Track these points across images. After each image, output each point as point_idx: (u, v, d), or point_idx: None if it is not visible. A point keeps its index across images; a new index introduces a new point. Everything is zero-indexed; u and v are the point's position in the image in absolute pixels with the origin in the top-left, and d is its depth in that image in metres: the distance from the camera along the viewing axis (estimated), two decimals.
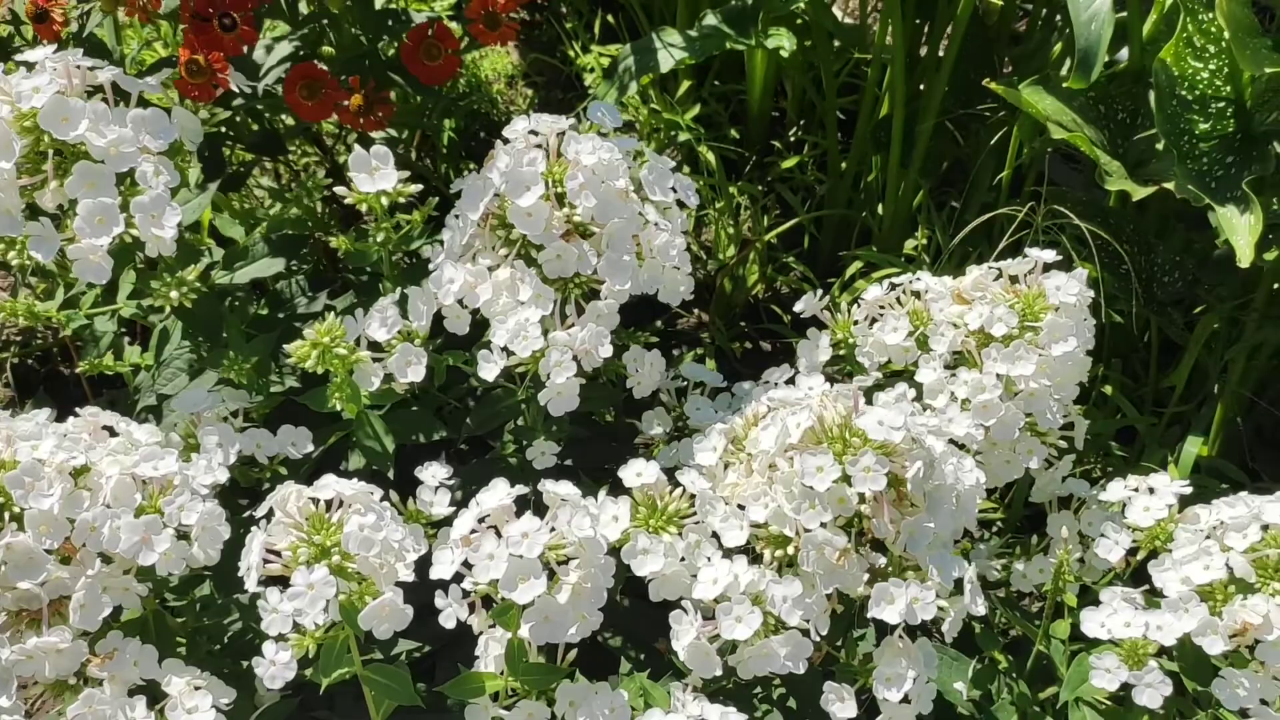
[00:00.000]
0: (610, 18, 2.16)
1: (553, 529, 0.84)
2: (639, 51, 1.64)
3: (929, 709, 0.95)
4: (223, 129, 1.53)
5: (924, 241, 1.70)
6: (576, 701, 0.90)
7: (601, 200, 0.98)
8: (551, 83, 2.27)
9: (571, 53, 2.19)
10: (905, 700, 0.92)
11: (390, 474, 1.08)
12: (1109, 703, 1.11)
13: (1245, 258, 1.14)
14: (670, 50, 1.62)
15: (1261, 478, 1.53)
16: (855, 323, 1.17)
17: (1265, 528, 0.97)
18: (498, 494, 0.85)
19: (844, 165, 1.80)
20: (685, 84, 1.99)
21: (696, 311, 1.95)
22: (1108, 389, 1.54)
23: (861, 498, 0.87)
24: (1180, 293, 1.46)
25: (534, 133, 1.02)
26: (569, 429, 1.17)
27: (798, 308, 1.21)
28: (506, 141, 1.01)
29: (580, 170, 0.97)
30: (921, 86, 1.71)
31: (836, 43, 1.80)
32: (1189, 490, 1.05)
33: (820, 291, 1.21)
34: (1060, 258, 1.11)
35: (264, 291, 1.28)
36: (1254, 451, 1.60)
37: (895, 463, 0.88)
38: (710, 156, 1.89)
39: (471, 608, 0.90)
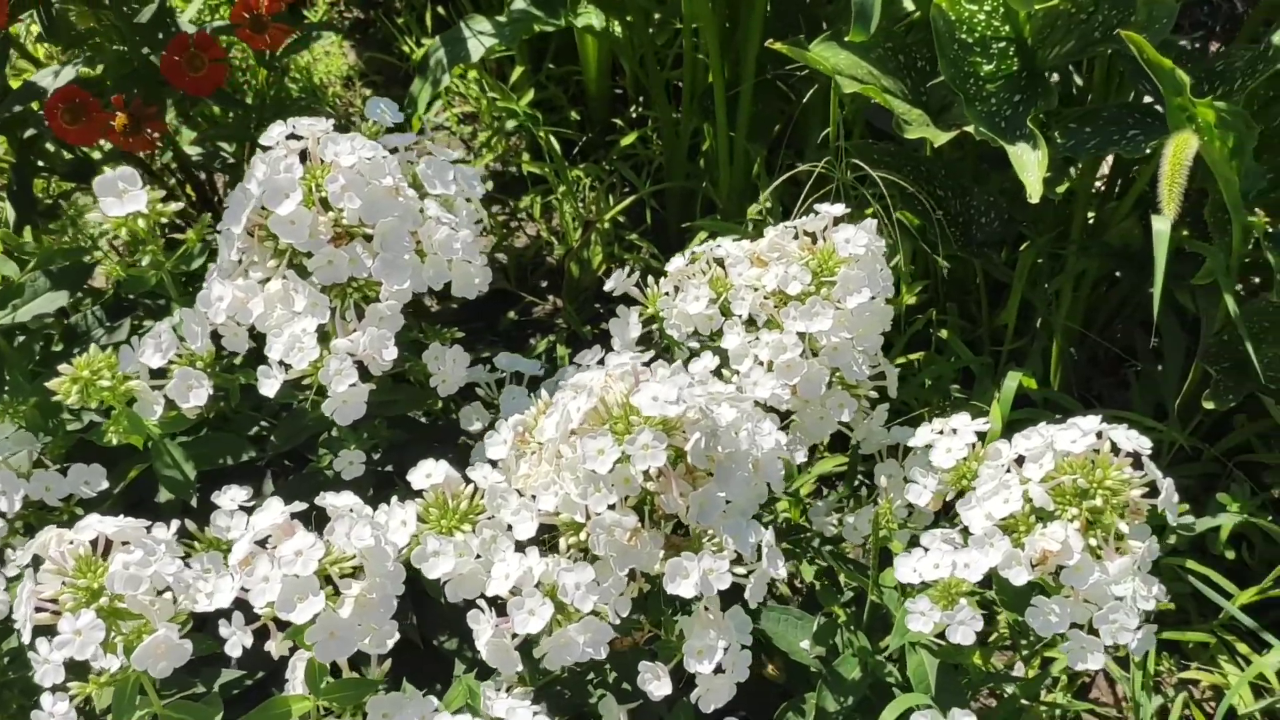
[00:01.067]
0: (441, 9, 2.13)
1: (329, 542, 0.82)
2: (449, 43, 1.62)
3: (745, 675, 0.95)
4: (33, 159, 1.47)
5: (767, 205, 1.71)
6: (389, 713, 0.88)
7: (368, 200, 0.95)
8: (390, 80, 2.23)
9: (406, 48, 2.16)
10: (720, 670, 0.92)
11: (194, 501, 1.05)
12: (943, 642, 1.13)
13: (1035, 193, 1.15)
14: (480, 38, 1.59)
15: (1097, 405, 1.56)
16: (665, 294, 1.17)
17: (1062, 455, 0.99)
18: (271, 514, 0.83)
19: (678, 137, 1.80)
20: (519, 70, 1.97)
21: (551, 298, 1.93)
22: (944, 333, 1.56)
23: (649, 475, 0.87)
24: (999, 233, 1.48)
25: (296, 137, 0.99)
26: (389, 433, 1.15)
27: (608, 286, 1.20)
28: (266, 149, 0.98)
29: (341, 172, 0.94)
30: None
31: (657, 15, 1.79)
32: (988, 428, 1.06)
33: (630, 268, 1.20)
34: (849, 210, 1.12)
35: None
36: (1092, 381, 1.64)
37: (677, 437, 0.87)
38: (551, 140, 1.87)
39: (266, 633, 0.87)
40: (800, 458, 1.18)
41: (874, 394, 1.15)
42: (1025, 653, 1.28)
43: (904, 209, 1.49)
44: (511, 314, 1.86)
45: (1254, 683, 1.36)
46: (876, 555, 1.10)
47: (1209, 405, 1.31)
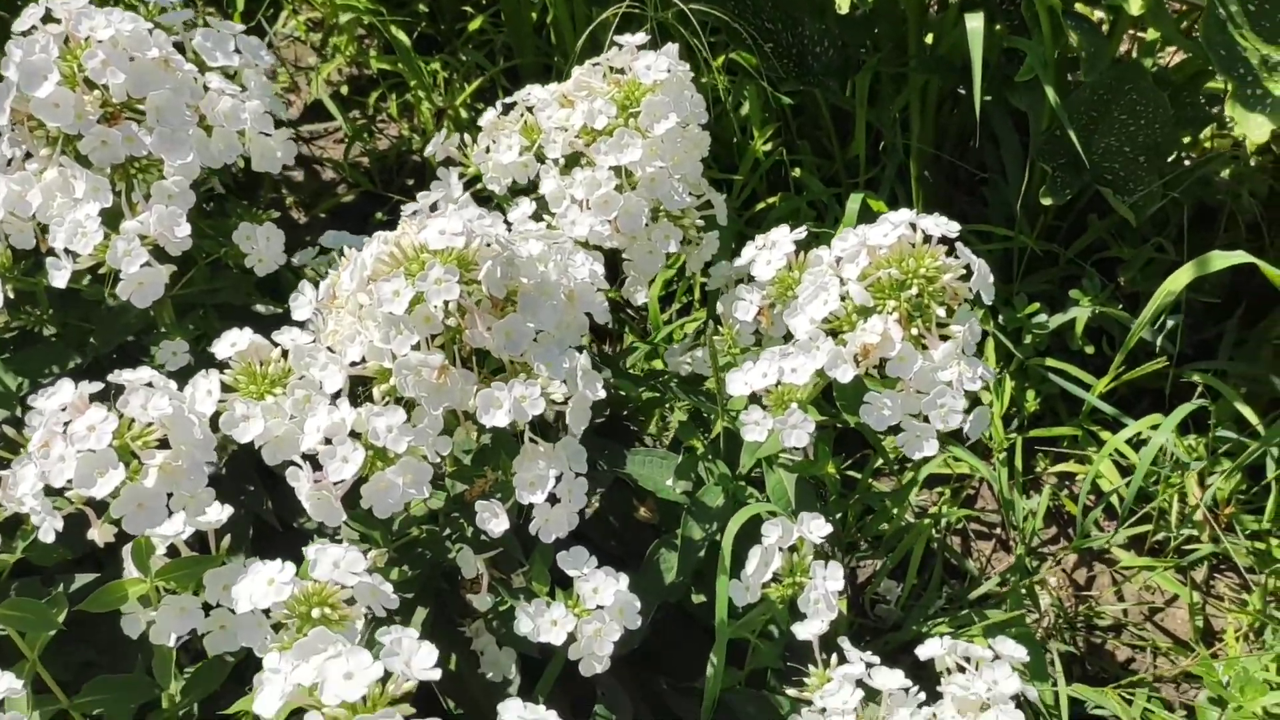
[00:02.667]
0: None
1: (125, 415, 0.81)
2: None
3: (583, 503, 0.96)
4: None
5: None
6: (228, 583, 0.88)
7: (134, 75, 0.92)
8: None
9: None
10: (555, 500, 0.93)
11: (18, 412, 1.03)
12: (797, 457, 1.14)
13: (843, 5, 1.14)
14: None
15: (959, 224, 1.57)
16: (486, 150, 1.15)
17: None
18: (63, 394, 0.82)
19: (522, 13, 1.76)
20: None
21: (419, 195, 1.91)
22: (797, 172, 1.56)
23: (449, 311, 0.86)
24: (836, 61, 1.46)
25: (54, 20, 0.95)
26: (221, 324, 1.13)
27: (427, 151, 1.18)
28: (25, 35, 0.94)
29: (99, 46, 0.91)
30: None
31: None
32: (804, 236, 1.06)
33: (445, 132, 1.18)
34: (649, 38, 1.10)
35: None
36: (953, 200, 1.65)
37: (476, 273, 0.86)
38: (400, 34, 1.82)
39: (88, 520, 0.86)
40: (641, 298, 1.18)
41: (701, 222, 1.14)
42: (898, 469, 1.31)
43: (742, 50, 1.47)
44: (379, 214, 1.83)
45: (1117, 461, 1.40)
46: (720, 381, 1.10)
47: (1046, 201, 1.32)
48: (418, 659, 0.72)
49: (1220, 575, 1.42)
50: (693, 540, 1.13)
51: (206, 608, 0.90)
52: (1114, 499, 1.41)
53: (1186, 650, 1.32)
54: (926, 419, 0.99)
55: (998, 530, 1.49)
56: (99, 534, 0.88)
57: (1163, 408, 1.36)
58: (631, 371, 1.32)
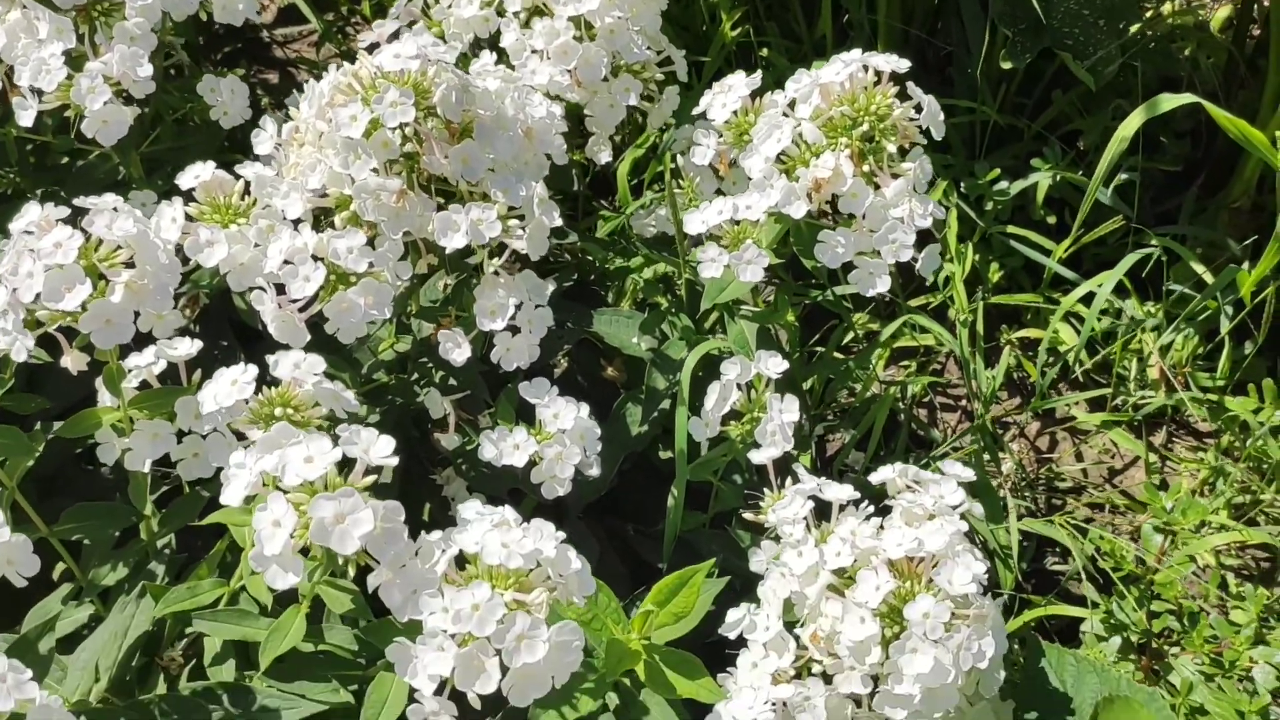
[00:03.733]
0: None
1: (91, 235, 0.83)
2: None
3: (544, 332, 0.98)
4: None
5: None
6: (199, 411, 0.91)
7: None
8: None
9: None
10: (514, 330, 0.96)
11: None
12: (759, 307, 1.17)
13: None
14: None
15: None
16: (449, 6, 1.16)
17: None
18: (30, 215, 0.84)
19: None
20: None
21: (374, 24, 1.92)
22: (765, 52, 1.57)
23: (407, 136, 0.88)
24: None
25: None
26: None
27: (391, 13, 1.19)
28: None
29: None
30: None
31: None
32: (759, 84, 1.08)
33: None
34: None
35: None
36: (921, 80, 1.66)
37: (427, 97, 0.88)
38: None
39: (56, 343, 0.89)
40: (605, 156, 1.20)
41: (661, 77, 1.16)
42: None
43: None
44: None
45: (1079, 330, 1.43)
46: (680, 228, 1.12)
47: (1006, 65, 1.34)
48: (376, 448, 0.75)
49: (1178, 439, 1.46)
50: (657, 390, 1.16)
51: (181, 436, 0.93)
52: (1075, 365, 1.44)
53: (1144, 509, 1.36)
54: (879, 254, 1.01)
55: (963, 403, 1.52)
56: (71, 360, 0.90)
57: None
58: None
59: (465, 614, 0.71)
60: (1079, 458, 1.44)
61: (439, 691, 0.73)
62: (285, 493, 0.71)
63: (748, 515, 1.01)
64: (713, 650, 0.96)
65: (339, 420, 0.85)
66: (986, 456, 1.37)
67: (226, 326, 1.14)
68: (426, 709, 0.75)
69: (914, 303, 1.49)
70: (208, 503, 0.98)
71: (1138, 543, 1.19)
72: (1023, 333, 1.45)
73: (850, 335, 1.40)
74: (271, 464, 0.73)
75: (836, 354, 1.40)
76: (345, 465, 0.76)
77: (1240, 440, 1.32)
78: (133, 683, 0.90)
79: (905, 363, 1.54)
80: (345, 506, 0.71)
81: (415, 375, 1.08)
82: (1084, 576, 1.13)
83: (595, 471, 1.19)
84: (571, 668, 0.75)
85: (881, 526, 0.91)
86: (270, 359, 0.83)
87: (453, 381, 1.08)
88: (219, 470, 0.93)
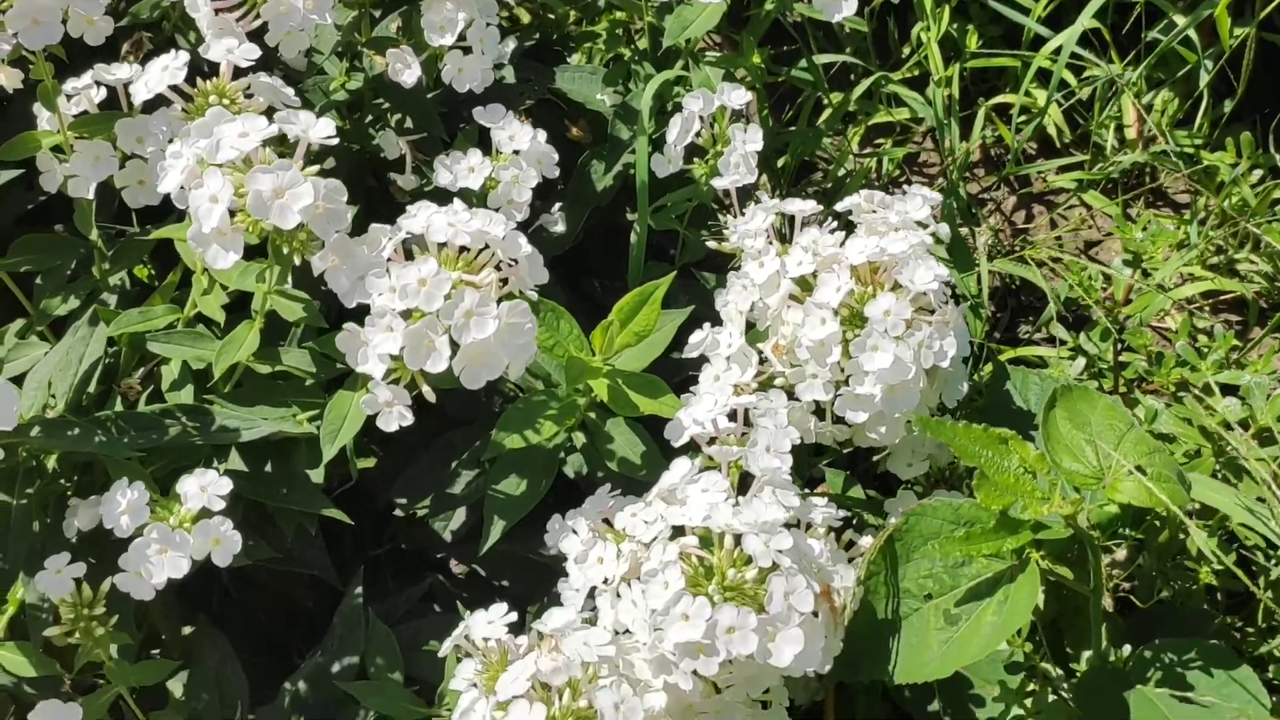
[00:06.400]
0: None
1: None
2: None
3: (495, 54, 0.95)
4: None
5: None
6: (141, 134, 0.88)
7: None
8: None
9: None
10: (465, 50, 0.92)
11: None
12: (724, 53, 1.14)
13: None
14: None
15: None
16: None
17: None
18: None
19: None
20: None
21: None
22: None
23: None
24: None
25: None
26: None
27: None
28: None
29: None
30: None
31: None
32: None
33: None
34: None
35: None
36: None
37: None
38: None
39: None
40: None
41: None
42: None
43: None
44: None
45: (1061, 102, 1.39)
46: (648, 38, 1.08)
47: None
48: (316, 129, 0.72)
49: (1155, 210, 1.44)
50: (620, 141, 1.13)
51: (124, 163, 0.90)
52: (1053, 131, 1.42)
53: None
54: None
55: (939, 181, 1.50)
56: (4, 77, 0.87)
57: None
58: None
59: (412, 289, 0.70)
60: (1054, 226, 1.42)
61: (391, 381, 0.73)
62: (220, 167, 0.69)
63: (711, 243, 0.99)
64: (678, 391, 0.96)
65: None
66: (962, 227, 1.35)
67: None
68: (380, 398, 0.75)
69: (894, 75, 1.45)
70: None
71: (1109, 292, 1.19)
72: (999, 99, 1.42)
73: (826, 114, 1.37)
74: (205, 145, 0.71)
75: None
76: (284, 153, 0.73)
77: (1219, 207, 1.30)
78: (90, 408, 0.89)
79: (879, 140, 1.51)
80: (284, 180, 0.69)
81: (370, 117, 1.05)
82: (1055, 317, 1.12)
83: (560, 228, 1.17)
84: (525, 351, 0.75)
85: (844, 240, 0.89)
86: (202, 47, 0.80)
87: (409, 124, 1.05)
88: (166, 199, 0.91)
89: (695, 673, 0.69)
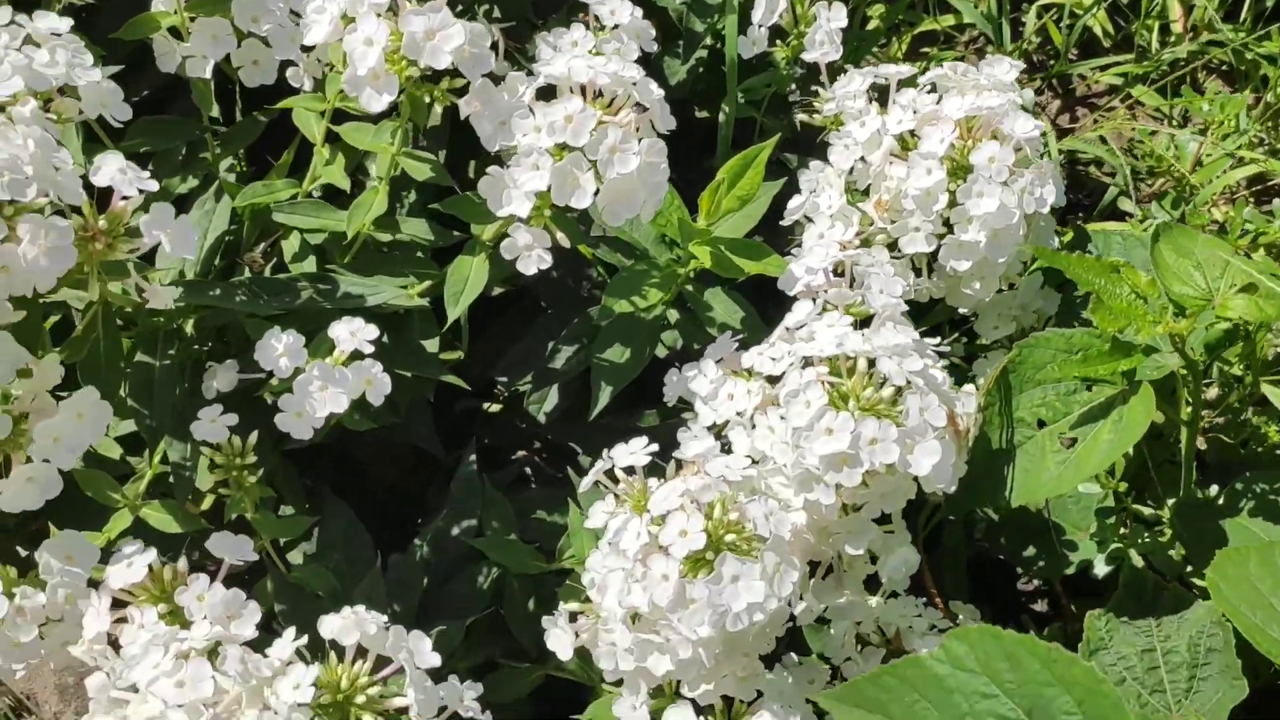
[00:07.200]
0: None
1: None
2: None
3: None
4: None
5: None
6: (256, 13, 0.90)
7: None
8: None
9: None
10: None
11: None
12: None
13: None
14: None
15: None
16: None
17: None
18: None
19: None
20: None
21: None
22: None
23: None
24: None
25: None
26: None
27: None
28: None
29: None
30: None
31: None
32: None
33: None
34: None
35: None
36: None
37: None
38: None
39: None
40: None
41: None
42: None
43: None
44: None
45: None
46: None
47: None
48: None
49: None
50: (695, 33, 1.16)
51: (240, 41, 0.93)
52: (1097, 30, 1.45)
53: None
54: None
55: None
56: None
57: None
58: None
59: (560, 125, 0.73)
60: (1101, 138, 1.46)
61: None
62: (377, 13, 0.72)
63: (802, 116, 1.03)
64: None
65: None
66: None
67: None
68: (520, 241, 0.78)
69: None
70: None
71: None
72: None
73: (874, 22, 1.40)
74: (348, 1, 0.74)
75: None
76: None
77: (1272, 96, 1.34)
78: (216, 281, 0.92)
79: (924, 49, 1.54)
80: (435, 22, 0.72)
81: (460, 8, 1.07)
82: (1127, 184, 1.16)
83: None
84: (659, 191, 0.78)
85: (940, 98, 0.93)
86: None
87: (497, 13, 1.08)
88: (281, 78, 0.94)
89: (838, 487, 0.73)
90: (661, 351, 1.06)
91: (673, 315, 1.04)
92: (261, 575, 0.91)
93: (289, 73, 0.92)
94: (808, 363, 0.78)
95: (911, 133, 0.91)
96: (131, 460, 0.94)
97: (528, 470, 1.18)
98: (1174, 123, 1.39)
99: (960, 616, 0.94)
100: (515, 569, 0.93)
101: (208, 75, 0.92)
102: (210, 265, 0.90)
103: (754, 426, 0.78)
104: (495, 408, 1.17)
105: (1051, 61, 1.48)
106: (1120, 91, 1.46)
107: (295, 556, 0.98)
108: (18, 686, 1.20)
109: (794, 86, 1.15)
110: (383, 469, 1.12)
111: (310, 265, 0.92)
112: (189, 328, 0.87)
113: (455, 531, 0.97)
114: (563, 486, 1.10)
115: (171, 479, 0.87)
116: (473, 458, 1.00)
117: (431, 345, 0.96)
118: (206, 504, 0.92)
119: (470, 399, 1.13)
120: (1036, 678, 0.59)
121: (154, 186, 0.70)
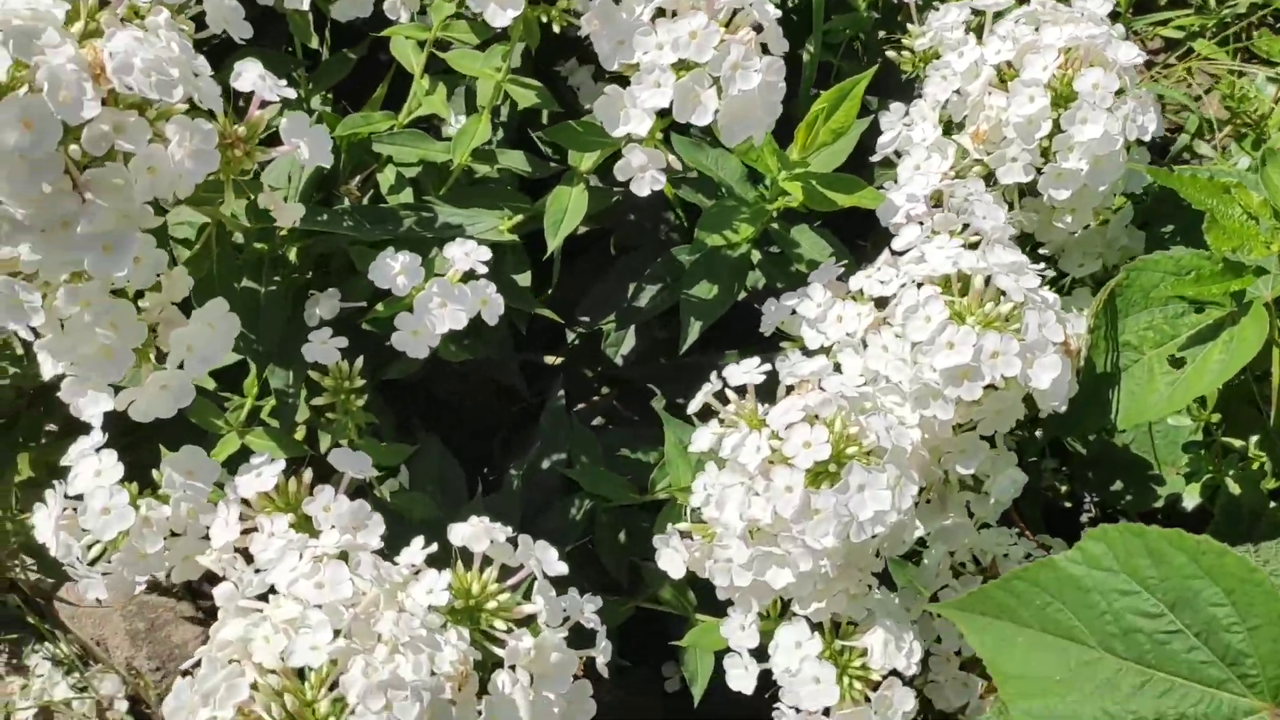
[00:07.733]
0: None
1: None
2: None
3: None
4: None
5: None
6: None
7: None
8: None
9: None
10: None
11: None
12: None
13: None
14: None
15: None
16: None
17: None
18: None
19: None
20: None
21: None
22: None
23: None
24: None
25: None
26: None
27: None
28: None
29: None
30: None
31: None
32: None
33: None
34: None
35: None
36: None
37: None
38: None
39: None
40: None
41: None
42: None
43: None
44: None
45: None
46: None
47: None
48: None
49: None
50: None
51: None
52: None
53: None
54: None
55: None
56: None
57: None
58: None
59: (683, 41, 0.73)
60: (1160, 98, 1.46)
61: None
62: None
63: (890, 53, 1.03)
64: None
65: None
66: None
67: None
68: (634, 162, 0.78)
69: None
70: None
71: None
72: None
73: None
74: None
75: None
76: None
77: None
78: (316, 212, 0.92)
79: None
80: None
81: None
82: (1202, 131, 1.16)
83: None
84: (774, 111, 0.78)
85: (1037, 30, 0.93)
86: None
87: None
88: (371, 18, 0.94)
89: (957, 401, 0.74)
90: (740, 295, 1.06)
91: (754, 255, 1.04)
92: None
93: (386, 5, 0.93)
94: (919, 285, 0.78)
95: (1009, 64, 0.91)
96: (223, 396, 0.94)
97: (615, 403, 1.18)
98: (1237, 74, 1.39)
99: (1051, 548, 0.94)
100: (613, 498, 0.94)
101: (305, 7, 0.92)
102: (310, 197, 0.90)
103: (865, 346, 0.79)
104: (557, 359, 1.16)
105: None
106: (1179, 47, 1.46)
107: (385, 494, 0.98)
108: (88, 633, 1.21)
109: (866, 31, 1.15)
110: (463, 408, 1.12)
111: (407, 196, 0.93)
112: (292, 255, 0.88)
113: (545, 465, 0.98)
114: (639, 427, 1.11)
115: (274, 406, 0.87)
116: (561, 393, 1.01)
117: (524, 280, 0.96)
118: (298, 435, 0.92)
119: (532, 350, 1.13)
120: (1182, 570, 0.59)
121: (292, 94, 0.71)
